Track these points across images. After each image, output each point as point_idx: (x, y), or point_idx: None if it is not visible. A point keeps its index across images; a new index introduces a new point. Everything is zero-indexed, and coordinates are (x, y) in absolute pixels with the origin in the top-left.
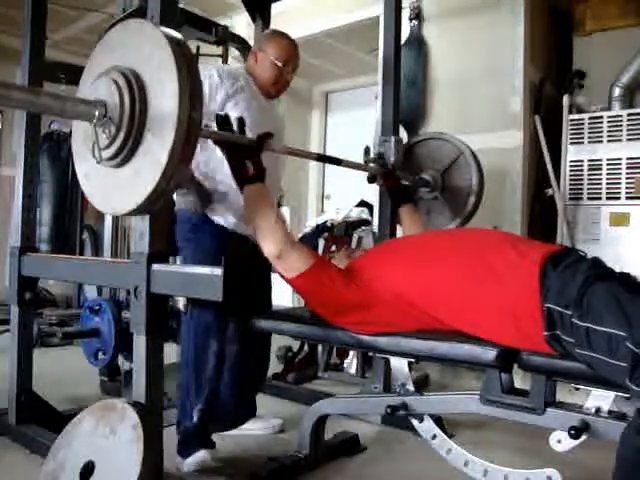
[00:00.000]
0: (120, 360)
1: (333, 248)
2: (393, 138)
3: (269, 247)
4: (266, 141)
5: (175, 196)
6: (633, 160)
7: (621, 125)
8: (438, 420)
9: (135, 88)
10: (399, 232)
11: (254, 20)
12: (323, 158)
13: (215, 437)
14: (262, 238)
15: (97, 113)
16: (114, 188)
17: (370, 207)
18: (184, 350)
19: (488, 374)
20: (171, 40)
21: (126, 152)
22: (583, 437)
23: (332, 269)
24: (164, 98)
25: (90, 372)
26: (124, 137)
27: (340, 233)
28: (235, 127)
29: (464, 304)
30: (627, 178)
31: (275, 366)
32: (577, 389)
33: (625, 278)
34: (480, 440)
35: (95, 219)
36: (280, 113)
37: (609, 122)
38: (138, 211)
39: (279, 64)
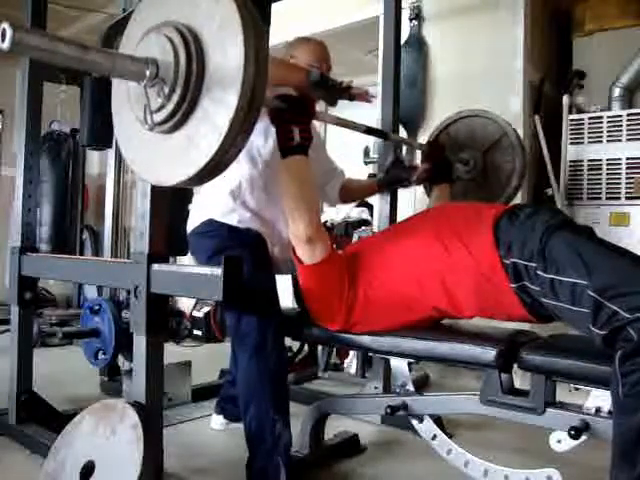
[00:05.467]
0: (120, 360)
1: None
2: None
3: (301, 228)
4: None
5: (204, 206)
6: (633, 160)
7: (621, 125)
8: (438, 420)
9: (192, 47)
10: None
11: None
12: (371, 131)
13: (215, 434)
14: (296, 217)
15: (148, 73)
16: (161, 156)
17: (370, 207)
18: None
19: (488, 374)
20: None
21: (179, 117)
22: (583, 437)
23: (343, 265)
24: (226, 60)
25: (90, 372)
26: (178, 100)
27: (340, 233)
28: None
29: (440, 278)
30: (627, 178)
31: None
32: (577, 389)
33: (583, 227)
34: (480, 440)
35: (95, 219)
36: (317, 126)
37: (609, 122)
38: (188, 183)
39: (315, 66)
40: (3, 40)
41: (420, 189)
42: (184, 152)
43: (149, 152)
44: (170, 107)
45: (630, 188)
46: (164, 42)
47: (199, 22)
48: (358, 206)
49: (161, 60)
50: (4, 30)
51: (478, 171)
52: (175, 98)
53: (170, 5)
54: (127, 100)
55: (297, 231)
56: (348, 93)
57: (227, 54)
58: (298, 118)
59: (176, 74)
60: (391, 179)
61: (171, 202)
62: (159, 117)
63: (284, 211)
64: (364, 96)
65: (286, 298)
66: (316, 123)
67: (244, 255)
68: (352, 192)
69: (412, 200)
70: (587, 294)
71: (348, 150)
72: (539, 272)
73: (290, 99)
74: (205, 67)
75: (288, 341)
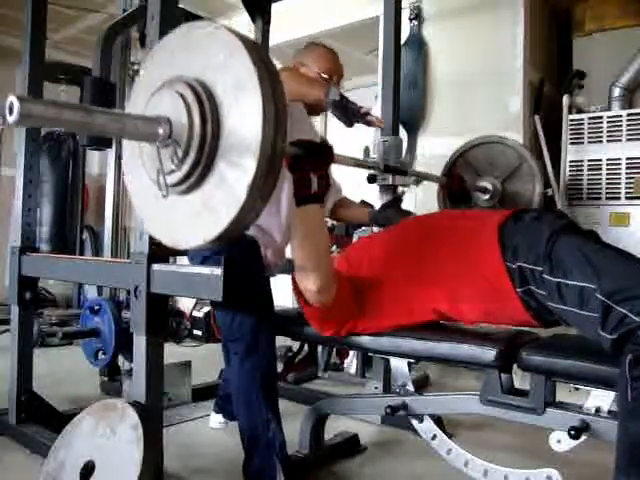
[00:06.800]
0: (120, 360)
1: (333, 248)
2: (393, 138)
3: (312, 280)
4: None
5: None
6: (633, 160)
7: (621, 125)
8: (438, 420)
9: (207, 107)
10: None
11: (254, 20)
12: (389, 169)
13: (215, 434)
14: (307, 268)
15: (161, 132)
16: (176, 218)
17: (371, 207)
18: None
19: (488, 374)
20: (251, 51)
21: (193, 181)
22: (583, 437)
23: (348, 289)
24: (243, 121)
25: (90, 372)
26: (192, 164)
27: (340, 233)
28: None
29: (444, 282)
30: (627, 178)
31: None
32: (577, 389)
33: (589, 231)
34: (480, 440)
35: (95, 219)
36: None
37: (609, 122)
38: (205, 247)
39: (325, 77)
40: (11, 113)
41: (420, 190)
42: (200, 217)
43: (163, 213)
44: (185, 169)
45: (630, 188)
46: (177, 100)
47: (214, 79)
48: None
49: (174, 120)
50: (11, 103)
51: (497, 199)
52: (189, 161)
53: (183, 58)
54: (139, 156)
55: (308, 283)
56: (365, 120)
57: (244, 116)
58: (317, 165)
59: (190, 136)
60: (383, 220)
61: None
62: (172, 179)
63: (280, 220)
64: (377, 124)
65: (286, 298)
66: (317, 123)
67: (238, 256)
68: (343, 213)
69: (413, 201)
70: (595, 297)
71: (348, 150)
72: (545, 276)
73: (308, 145)
74: (221, 128)
75: (288, 341)
